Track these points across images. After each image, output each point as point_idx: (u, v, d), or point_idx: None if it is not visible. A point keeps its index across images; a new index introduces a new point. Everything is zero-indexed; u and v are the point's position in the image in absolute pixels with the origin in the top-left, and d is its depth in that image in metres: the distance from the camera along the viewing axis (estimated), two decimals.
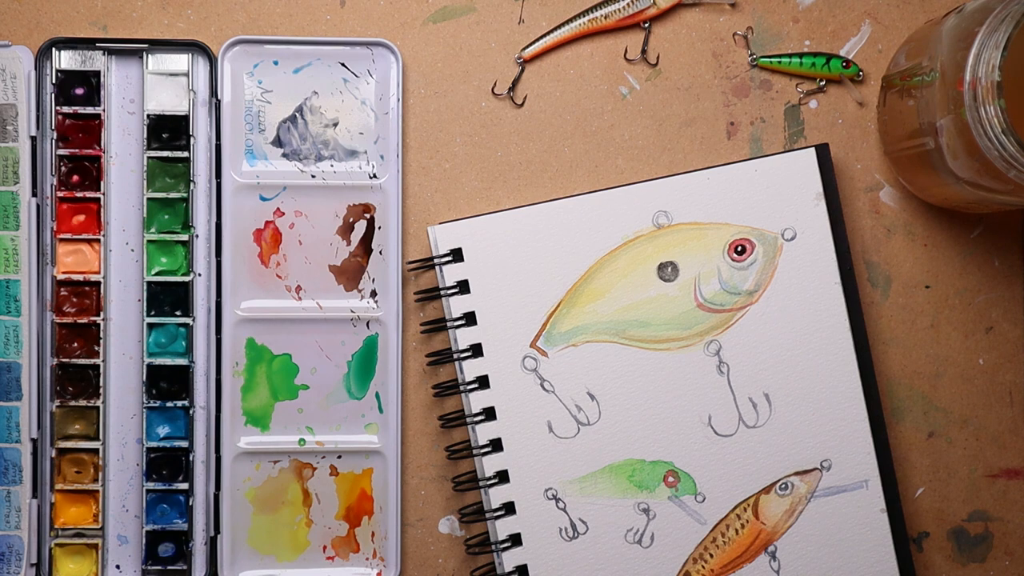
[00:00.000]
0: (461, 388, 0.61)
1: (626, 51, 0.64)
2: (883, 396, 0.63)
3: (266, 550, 0.62)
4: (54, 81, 0.61)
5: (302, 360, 0.62)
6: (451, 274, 0.61)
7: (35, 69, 0.61)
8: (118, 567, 0.63)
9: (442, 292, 0.61)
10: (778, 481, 0.61)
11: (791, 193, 0.61)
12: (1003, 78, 0.51)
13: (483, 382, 0.61)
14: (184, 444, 0.62)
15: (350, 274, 0.63)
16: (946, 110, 0.54)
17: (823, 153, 0.61)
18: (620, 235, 0.61)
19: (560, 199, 0.62)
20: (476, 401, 0.61)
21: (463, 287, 0.61)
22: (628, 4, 0.63)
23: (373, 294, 0.63)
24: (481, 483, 0.61)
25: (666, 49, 0.64)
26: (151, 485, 0.62)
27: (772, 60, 0.63)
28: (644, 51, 0.63)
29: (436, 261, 0.61)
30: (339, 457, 0.63)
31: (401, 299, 0.62)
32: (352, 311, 0.62)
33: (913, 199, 0.64)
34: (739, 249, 0.61)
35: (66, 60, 0.62)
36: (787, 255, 0.61)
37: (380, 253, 0.62)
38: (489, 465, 0.61)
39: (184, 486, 0.62)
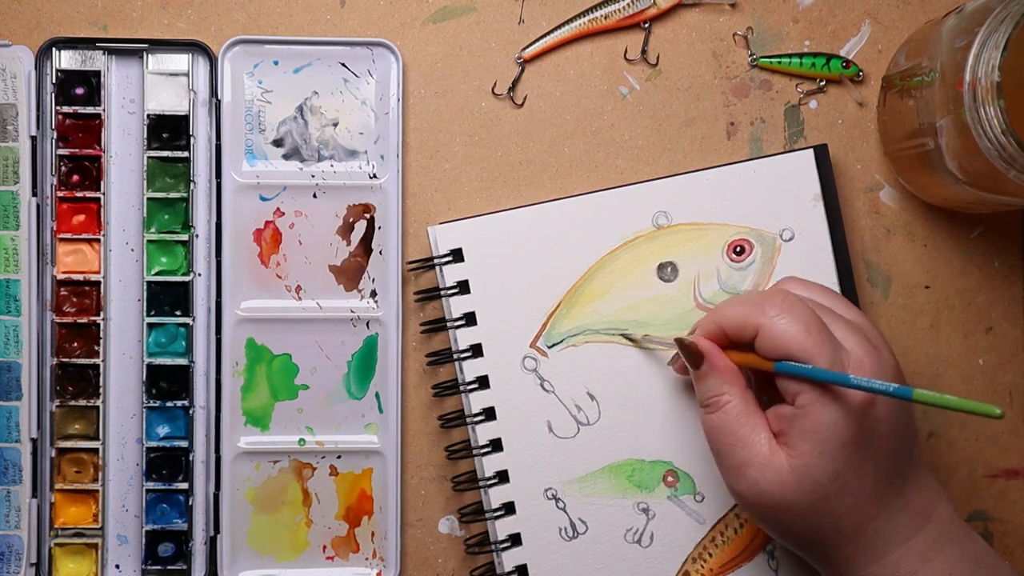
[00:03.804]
0: (461, 388, 0.61)
1: (626, 51, 0.64)
2: None
3: (266, 550, 0.62)
4: (54, 81, 0.61)
5: (302, 360, 0.62)
6: (451, 274, 0.61)
7: (35, 69, 0.61)
8: (118, 567, 0.63)
9: (442, 292, 0.61)
10: None
11: (789, 194, 0.61)
12: (1003, 78, 0.51)
13: (483, 382, 0.61)
14: (184, 444, 0.62)
15: (350, 274, 0.62)
16: (946, 110, 0.54)
17: (821, 154, 0.61)
18: (620, 235, 0.61)
19: (560, 199, 0.62)
20: (476, 401, 0.61)
21: (463, 287, 0.61)
22: (628, 4, 0.63)
23: (373, 294, 0.63)
24: (481, 483, 0.61)
25: (666, 49, 0.64)
26: (151, 485, 0.62)
27: (772, 60, 0.63)
28: (644, 51, 0.63)
29: (436, 261, 0.61)
30: (339, 457, 0.63)
31: (401, 299, 0.62)
32: (352, 311, 0.62)
33: (913, 199, 0.64)
34: (738, 249, 0.61)
35: (66, 60, 0.62)
36: (785, 255, 0.61)
37: (380, 253, 0.62)
38: (489, 465, 0.61)
39: (184, 486, 0.62)
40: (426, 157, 0.63)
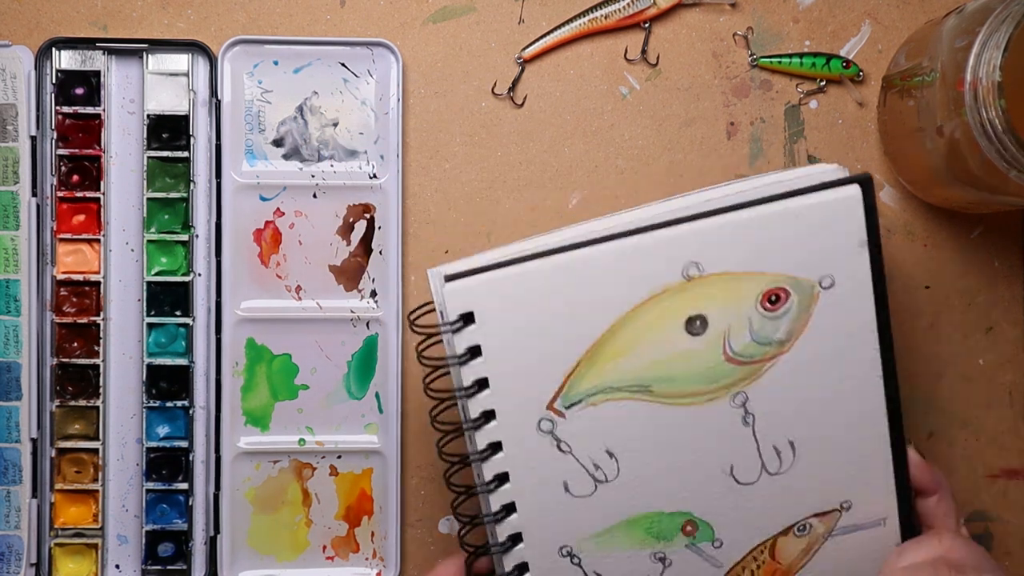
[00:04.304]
0: (472, 458, 0.56)
1: (626, 51, 0.64)
2: None
3: (266, 550, 0.62)
4: (54, 81, 0.61)
5: (302, 360, 0.62)
6: (462, 340, 0.55)
7: (35, 69, 0.61)
8: (118, 567, 0.63)
9: (450, 361, 0.55)
10: (796, 523, 0.58)
11: (833, 238, 0.55)
12: (1004, 78, 0.51)
13: (495, 447, 0.56)
14: (184, 444, 0.62)
15: (350, 274, 0.62)
16: (946, 110, 0.54)
17: (867, 188, 0.55)
18: (647, 288, 0.55)
19: (581, 247, 0.55)
20: (488, 469, 0.56)
21: (474, 352, 0.55)
22: (628, 4, 0.63)
23: (373, 294, 0.63)
24: (494, 548, 0.57)
25: (666, 49, 0.64)
26: (151, 485, 0.62)
27: (772, 60, 0.63)
28: (644, 51, 0.63)
29: (443, 329, 0.55)
30: (339, 457, 0.63)
31: (401, 299, 0.62)
32: (352, 311, 0.62)
33: (913, 199, 0.64)
34: (773, 299, 0.55)
35: (66, 60, 0.62)
36: (823, 303, 0.55)
37: (380, 253, 0.62)
38: (502, 530, 0.57)
39: (184, 486, 0.62)
40: (426, 157, 0.63)
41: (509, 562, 0.58)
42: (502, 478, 0.57)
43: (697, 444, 0.57)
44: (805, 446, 0.57)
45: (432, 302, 0.55)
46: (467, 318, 0.55)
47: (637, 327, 0.55)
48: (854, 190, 0.55)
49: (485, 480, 0.56)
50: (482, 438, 0.56)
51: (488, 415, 0.56)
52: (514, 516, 0.57)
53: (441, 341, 0.56)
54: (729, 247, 0.55)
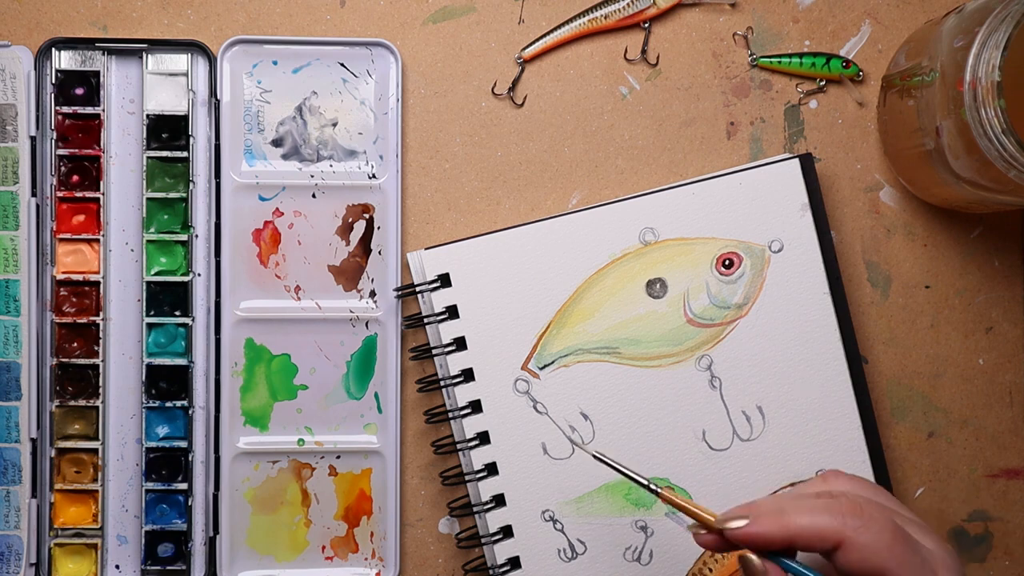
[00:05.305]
0: (452, 415, 0.61)
1: (626, 51, 0.63)
2: (883, 397, 0.63)
3: (265, 550, 0.62)
4: (54, 81, 0.61)
5: (301, 360, 0.62)
6: (440, 300, 0.61)
7: (35, 69, 0.61)
8: (117, 567, 0.63)
9: (427, 319, 0.61)
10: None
11: (776, 205, 0.61)
12: (1003, 78, 0.51)
13: (475, 406, 0.61)
14: (183, 444, 0.62)
15: (349, 274, 0.62)
16: (946, 110, 0.54)
17: (807, 163, 0.61)
18: (607, 253, 0.61)
19: (547, 219, 0.61)
20: (469, 426, 0.61)
21: (452, 312, 0.61)
22: (628, 4, 0.63)
23: (372, 294, 0.63)
24: (476, 508, 0.61)
25: (666, 49, 0.63)
26: (150, 485, 0.62)
27: (772, 60, 0.63)
28: (644, 51, 0.63)
29: (420, 288, 0.61)
30: (338, 457, 0.63)
31: (400, 300, 0.62)
32: (351, 311, 0.62)
33: (913, 199, 0.64)
34: (727, 263, 0.61)
35: (66, 60, 0.62)
36: (775, 267, 0.61)
37: (379, 253, 0.62)
38: (485, 489, 0.61)
39: (183, 486, 0.62)
40: (426, 157, 0.63)
41: (494, 523, 0.61)
42: (483, 437, 0.61)
43: (668, 407, 0.61)
44: (774, 412, 0.61)
45: (415, 283, 0.61)
46: (444, 280, 0.61)
47: (601, 289, 0.61)
48: (793, 162, 0.61)
49: (467, 437, 0.61)
50: (463, 395, 0.60)
51: (468, 374, 0.61)
52: (496, 477, 0.61)
53: (429, 321, 0.61)
54: (681, 214, 0.61)
